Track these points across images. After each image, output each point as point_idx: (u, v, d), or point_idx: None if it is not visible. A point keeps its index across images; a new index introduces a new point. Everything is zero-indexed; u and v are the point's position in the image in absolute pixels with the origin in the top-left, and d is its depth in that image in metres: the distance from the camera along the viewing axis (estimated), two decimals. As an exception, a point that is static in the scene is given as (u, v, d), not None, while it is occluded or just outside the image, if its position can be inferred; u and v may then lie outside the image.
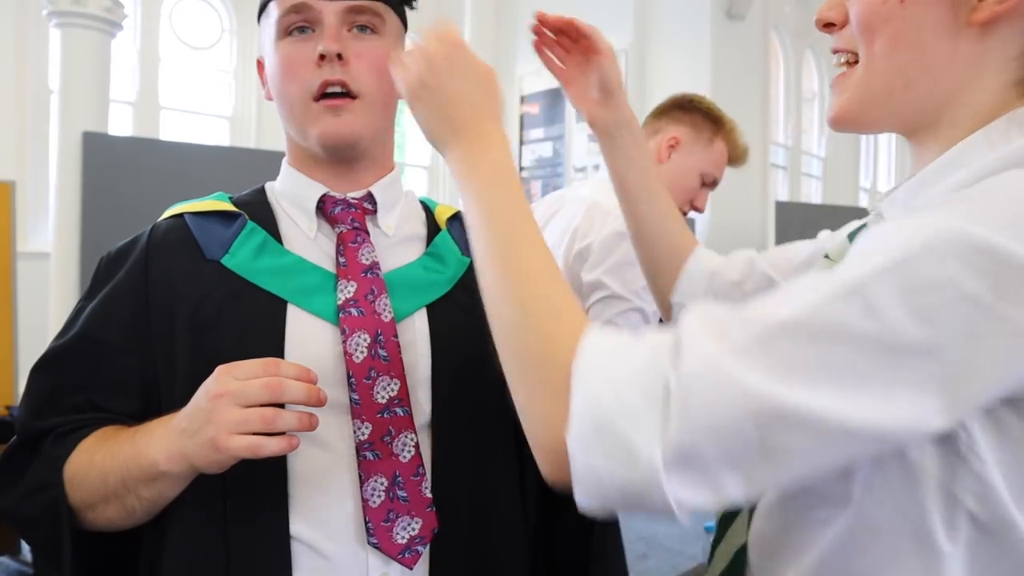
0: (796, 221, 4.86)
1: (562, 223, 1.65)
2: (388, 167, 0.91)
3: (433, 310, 0.84)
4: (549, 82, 7.31)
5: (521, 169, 7.59)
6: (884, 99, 0.61)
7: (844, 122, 0.64)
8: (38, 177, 5.03)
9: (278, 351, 0.76)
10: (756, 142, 6.78)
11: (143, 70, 5.74)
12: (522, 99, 7.60)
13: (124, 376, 0.78)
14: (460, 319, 0.84)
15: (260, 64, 0.88)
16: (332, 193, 0.86)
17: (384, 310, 0.79)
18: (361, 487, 0.75)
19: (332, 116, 0.80)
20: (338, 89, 0.80)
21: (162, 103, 5.90)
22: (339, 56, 0.78)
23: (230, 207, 0.85)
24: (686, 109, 1.74)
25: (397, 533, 0.75)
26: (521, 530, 0.87)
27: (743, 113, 6.56)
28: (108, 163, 2.97)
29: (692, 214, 6.29)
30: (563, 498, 0.93)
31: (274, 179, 0.92)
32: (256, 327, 0.77)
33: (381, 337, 0.77)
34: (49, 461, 0.74)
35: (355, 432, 0.76)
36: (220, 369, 0.67)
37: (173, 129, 5.98)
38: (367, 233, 0.85)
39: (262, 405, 0.65)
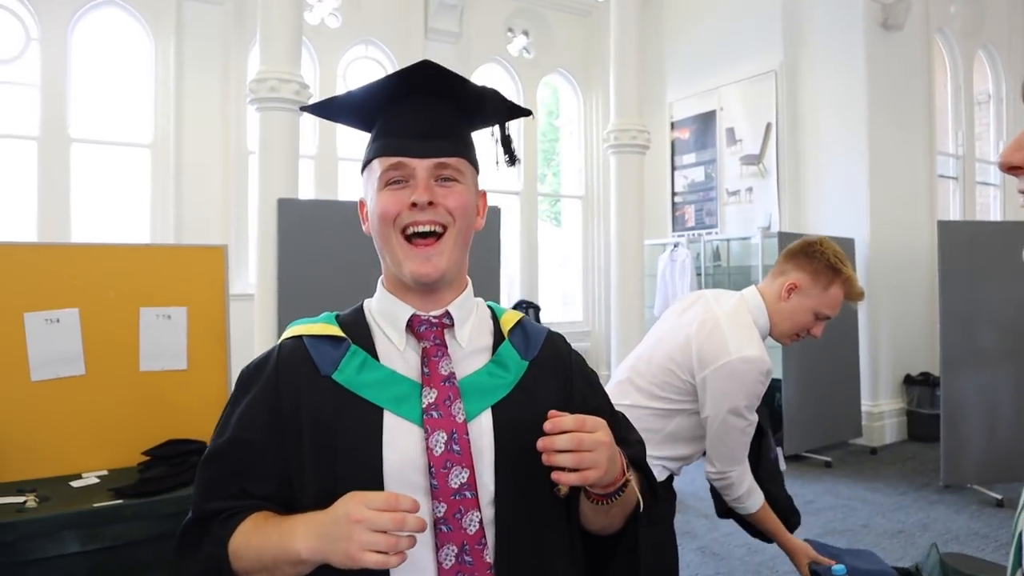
0: (963, 241, 4.59)
1: (687, 319, 1.99)
2: (463, 285, 1.08)
3: (497, 409, 1.02)
4: (698, 107, 7.35)
5: (674, 195, 7.65)
6: None
7: None
8: (239, 233, 5.84)
9: (378, 447, 0.96)
10: (921, 156, 6.47)
11: (322, 127, 6.44)
12: (672, 125, 7.67)
13: (266, 467, 1.00)
14: (518, 415, 1.01)
15: (362, 204, 1.08)
16: (418, 313, 1.03)
17: (458, 413, 0.98)
18: (436, 552, 0.94)
19: (423, 259, 0.99)
20: (427, 229, 0.99)
21: (340, 155, 6.57)
22: (430, 203, 0.98)
23: (338, 331, 1.05)
24: (810, 256, 1.96)
25: None
26: None
27: (904, 128, 6.28)
28: (298, 223, 3.45)
29: (854, 235, 6.12)
30: (604, 563, 1.13)
31: None
32: (361, 429, 0.97)
33: (456, 435, 0.97)
34: (217, 539, 0.96)
35: (433, 509, 0.95)
36: (354, 498, 0.86)
37: (349, 177, 6.65)
38: (446, 347, 1.03)
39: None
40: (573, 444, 0.89)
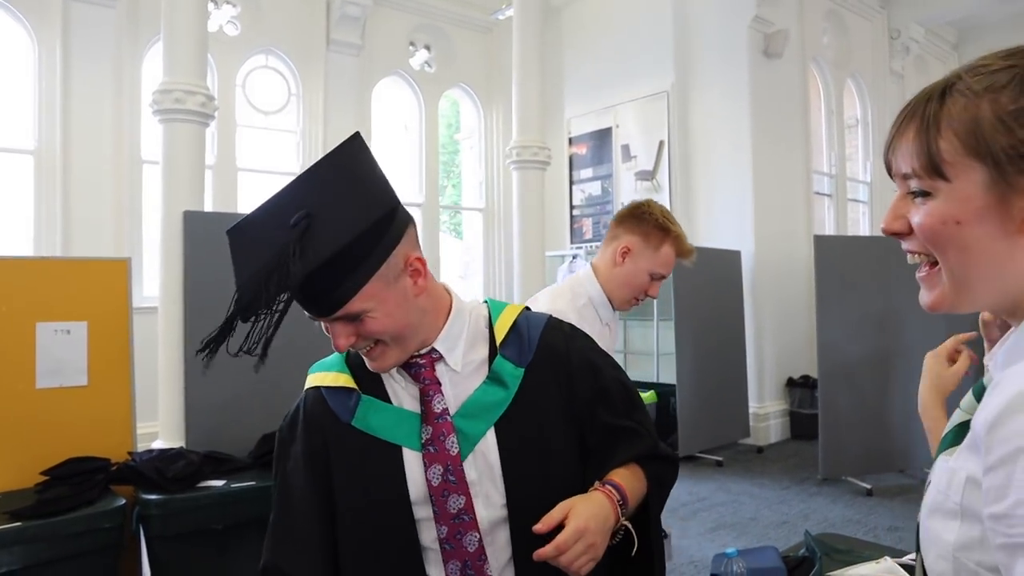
0: (836, 253, 5.01)
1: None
2: (441, 316, 1.14)
3: (499, 425, 1.11)
4: (596, 124, 7.64)
5: (572, 208, 7.90)
6: (968, 292, 0.72)
7: (940, 309, 0.75)
8: (133, 245, 5.63)
9: (402, 477, 1.08)
10: (799, 174, 6.98)
11: (220, 136, 6.29)
12: (570, 141, 7.92)
13: (311, 502, 1.12)
14: (521, 426, 1.11)
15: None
16: (412, 357, 1.12)
17: (452, 447, 1.08)
18: (444, 566, 1.08)
19: (372, 361, 1.11)
20: (367, 348, 1.09)
21: (239, 165, 6.43)
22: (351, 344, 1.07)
23: (350, 382, 1.15)
24: (639, 219, 1.99)
25: None
26: None
27: (784, 146, 6.77)
28: (203, 235, 3.40)
29: (740, 247, 6.52)
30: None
31: None
32: (384, 464, 1.09)
33: (451, 466, 1.08)
34: None
35: (437, 532, 1.08)
36: None
37: (248, 186, 6.51)
38: (438, 383, 1.12)
39: None
40: (566, 564, 0.98)
